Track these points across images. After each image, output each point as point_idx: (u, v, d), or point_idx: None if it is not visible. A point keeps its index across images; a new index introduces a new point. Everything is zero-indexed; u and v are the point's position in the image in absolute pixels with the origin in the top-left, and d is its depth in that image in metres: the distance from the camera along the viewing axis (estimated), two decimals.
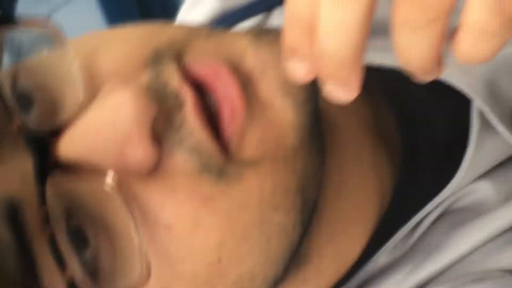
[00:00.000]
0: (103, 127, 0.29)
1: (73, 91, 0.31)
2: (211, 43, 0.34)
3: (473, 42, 0.22)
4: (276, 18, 0.56)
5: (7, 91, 0.31)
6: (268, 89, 0.32)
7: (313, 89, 0.33)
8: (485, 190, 0.44)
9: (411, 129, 0.46)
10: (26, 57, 0.34)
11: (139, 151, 0.29)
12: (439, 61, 0.25)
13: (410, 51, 0.25)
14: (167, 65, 0.32)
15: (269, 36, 0.33)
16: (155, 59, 0.32)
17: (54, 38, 0.32)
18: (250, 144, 0.32)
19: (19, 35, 0.32)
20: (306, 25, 0.26)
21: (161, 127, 0.31)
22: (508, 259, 0.42)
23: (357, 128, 0.44)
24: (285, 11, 0.28)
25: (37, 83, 0.32)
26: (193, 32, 0.35)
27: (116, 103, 0.29)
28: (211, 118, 0.32)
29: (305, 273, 0.39)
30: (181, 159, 0.31)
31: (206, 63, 0.32)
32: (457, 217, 0.45)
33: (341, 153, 0.40)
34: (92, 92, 0.31)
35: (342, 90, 0.28)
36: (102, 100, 0.30)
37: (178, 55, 0.33)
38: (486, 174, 0.45)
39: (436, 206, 0.44)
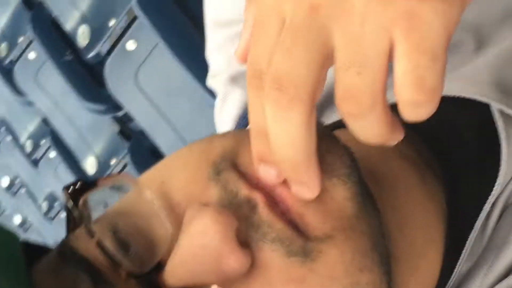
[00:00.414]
0: (197, 252, 0.33)
1: (161, 226, 0.36)
2: None
3: (411, 112, 0.28)
4: None
5: (110, 243, 0.36)
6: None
7: (352, 161, 0.38)
8: None
9: (445, 147, 0.50)
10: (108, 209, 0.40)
11: (233, 261, 0.33)
12: (395, 126, 0.31)
13: (365, 134, 0.31)
14: (229, 175, 0.36)
15: None
16: (216, 172, 0.37)
17: (128, 185, 0.38)
18: (316, 222, 0.35)
19: (101, 193, 0.38)
20: (265, 134, 0.32)
21: (244, 232, 0.35)
22: None
23: (399, 167, 0.47)
24: (249, 123, 0.35)
25: (129, 228, 0.37)
26: (239, 138, 0.39)
27: (201, 230, 0.33)
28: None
29: None
30: (268, 251, 0.34)
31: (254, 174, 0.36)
32: None
33: (392, 197, 0.43)
34: (177, 221, 0.36)
35: (303, 190, 0.35)
36: (188, 230, 0.34)
37: (232, 163, 0.37)
38: None
39: (494, 205, 0.47)
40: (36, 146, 2.40)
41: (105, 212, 0.39)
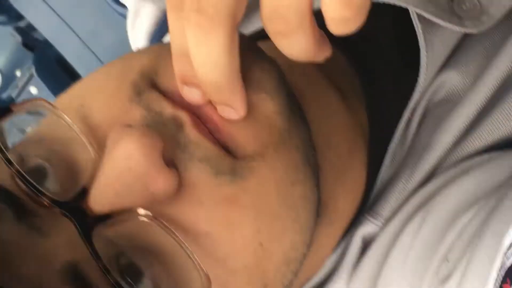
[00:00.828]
0: (123, 176, 0.32)
1: (82, 150, 0.35)
2: None
3: (338, 28, 0.28)
4: None
5: (29, 172, 0.34)
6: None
7: (279, 74, 0.38)
8: (453, 78, 0.49)
9: (362, 56, 0.51)
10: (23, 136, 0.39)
11: (160, 183, 0.33)
12: (322, 43, 0.31)
13: (293, 51, 0.31)
14: (150, 95, 0.36)
15: None
16: (136, 93, 0.36)
17: (45, 110, 0.37)
18: (246, 140, 0.36)
19: (17, 120, 0.37)
20: (187, 55, 0.32)
21: (170, 152, 0.35)
22: (482, 141, 0.48)
23: (319, 81, 0.48)
24: (171, 44, 0.34)
25: (49, 154, 0.36)
26: (157, 54, 0.39)
27: (126, 153, 0.32)
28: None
29: (329, 216, 0.43)
30: (196, 171, 0.35)
31: (176, 89, 0.36)
32: (437, 112, 0.50)
33: (317, 110, 0.44)
34: (99, 145, 0.35)
35: (229, 112, 0.35)
36: (112, 154, 0.33)
37: (152, 83, 0.37)
38: (449, 63, 0.50)
39: (414, 112, 0.49)
40: None
41: (22, 139, 0.38)
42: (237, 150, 0.36)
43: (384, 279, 0.47)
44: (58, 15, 1.53)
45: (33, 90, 1.81)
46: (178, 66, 0.34)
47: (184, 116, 0.35)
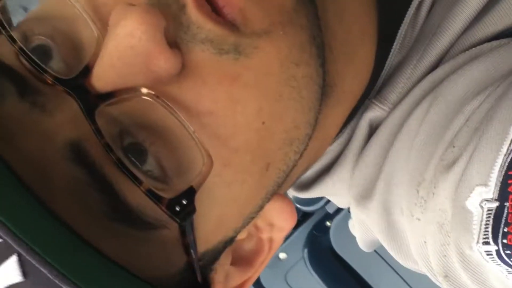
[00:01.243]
0: (125, 54, 0.32)
1: (86, 28, 0.35)
2: None
3: None
4: None
5: (33, 49, 0.34)
6: None
7: None
8: None
9: None
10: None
11: (162, 61, 0.33)
12: None
13: None
14: None
15: None
16: None
17: None
18: (256, 17, 0.35)
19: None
20: None
21: (173, 32, 0.34)
22: (492, 27, 0.47)
23: None
24: None
25: (52, 32, 0.36)
26: None
27: (128, 31, 0.32)
28: (212, 7, 0.35)
29: (336, 96, 0.43)
30: (198, 51, 0.34)
31: None
32: None
33: None
34: (103, 23, 0.34)
35: None
36: (115, 32, 0.32)
37: None
38: None
39: None
40: None
41: (25, 18, 0.38)
42: (245, 26, 0.35)
43: (390, 163, 0.48)
44: None
45: None
46: None
47: None
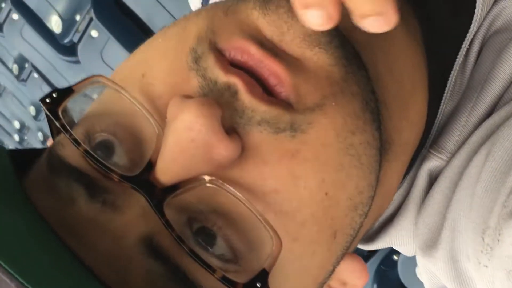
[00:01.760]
0: (186, 147, 0.33)
1: (145, 122, 0.36)
2: (231, 21, 0.38)
3: None
4: None
5: (97, 148, 0.36)
6: (294, 47, 0.37)
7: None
8: (509, 7, 0.48)
9: None
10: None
11: (223, 149, 0.34)
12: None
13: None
14: (206, 61, 0.36)
15: (273, 1, 0.37)
16: (194, 59, 0.37)
17: (106, 84, 0.38)
18: (307, 92, 0.36)
19: (80, 97, 0.38)
20: None
21: (229, 118, 0.35)
22: None
23: None
24: None
25: (114, 128, 0.38)
26: (212, 14, 0.39)
27: (187, 125, 0.33)
28: (264, 88, 0.36)
29: (394, 151, 0.43)
30: (256, 133, 0.35)
31: (237, 47, 0.36)
32: (495, 42, 0.49)
33: (380, 40, 0.42)
34: (160, 115, 0.36)
35: (380, 23, 0.31)
36: (174, 126, 0.34)
37: (210, 43, 0.37)
38: None
39: (472, 43, 0.49)
40: None
41: (85, 114, 0.39)
42: (298, 103, 0.36)
43: (453, 211, 0.47)
44: None
45: (93, 33, 1.84)
46: None
47: (237, 83, 0.35)
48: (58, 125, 0.36)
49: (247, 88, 0.35)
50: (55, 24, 1.98)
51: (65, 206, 0.35)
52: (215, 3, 0.41)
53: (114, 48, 1.78)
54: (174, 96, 0.35)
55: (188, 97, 0.35)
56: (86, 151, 0.35)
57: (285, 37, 0.37)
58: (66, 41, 1.96)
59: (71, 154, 0.37)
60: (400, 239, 0.54)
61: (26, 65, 2.55)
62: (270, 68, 0.36)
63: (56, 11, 1.97)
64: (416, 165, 0.51)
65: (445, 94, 0.48)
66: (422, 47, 0.47)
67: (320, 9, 0.30)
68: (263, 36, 0.37)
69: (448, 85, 0.48)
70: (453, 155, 0.49)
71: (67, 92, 0.37)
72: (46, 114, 0.37)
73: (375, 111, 0.39)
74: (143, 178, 0.35)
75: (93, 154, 0.35)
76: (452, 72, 0.48)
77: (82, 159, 0.36)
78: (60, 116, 0.36)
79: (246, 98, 0.35)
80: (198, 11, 0.41)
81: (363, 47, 0.41)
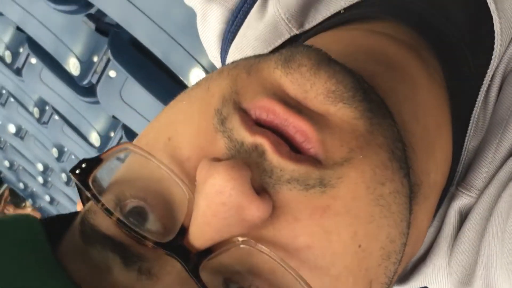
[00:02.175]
0: (218, 211, 0.34)
1: (174, 186, 0.37)
2: (254, 80, 0.39)
3: None
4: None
5: (129, 216, 0.37)
6: (318, 104, 0.37)
7: (354, 80, 0.38)
8: None
9: (435, 29, 0.50)
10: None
11: (254, 210, 0.34)
12: None
13: None
14: (232, 122, 0.37)
15: (295, 60, 0.38)
16: (220, 121, 0.37)
17: (134, 150, 0.38)
18: (334, 147, 0.36)
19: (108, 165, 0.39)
20: None
21: (258, 178, 0.36)
22: None
23: (401, 53, 0.47)
24: None
25: (141, 195, 0.38)
26: (234, 74, 0.40)
27: (218, 189, 0.33)
28: (291, 146, 0.36)
29: (423, 193, 0.43)
30: (286, 191, 0.36)
31: (261, 106, 0.37)
32: None
33: (403, 86, 0.43)
34: (189, 178, 0.37)
35: None
36: (205, 191, 0.34)
37: (235, 103, 0.38)
38: None
39: (492, 79, 0.49)
40: (15, 55, 2.39)
41: (115, 180, 0.40)
42: (326, 158, 0.36)
43: (486, 247, 0.47)
44: None
45: (111, 73, 1.86)
46: None
47: (264, 143, 0.35)
48: (89, 195, 0.37)
49: (274, 148, 0.35)
50: (73, 66, 2.00)
51: (101, 275, 0.35)
52: (236, 63, 0.42)
53: (133, 87, 1.80)
54: (203, 159, 0.35)
55: (216, 159, 0.35)
56: (119, 219, 0.36)
57: (309, 94, 0.37)
58: (85, 82, 1.98)
59: (104, 222, 0.37)
60: (434, 277, 0.53)
61: (47, 107, 2.59)
62: (296, 125, 0.36)
63: (74, 54, 1.99)
64: (445, 203, 0.51)
65: (468, 131, 0.49)
66: (444, 87, 0.48)
67: None
68: (287, 94, 0.37)
69: (471, 121, 0.49)
70: (482, 191, 0.49)
71: (96, 162, 0.38)
72: (77, 185, 0.38)
73: (402, 158, 0.39)
74: (177, 244, 0.35)
75: (126, 222, 0.36)
76: (475, 108, 0.48)
77: (115, 227, 0.37)
78: (91, 186, 0.37)
79: (274, 157, 0.35)
80: (220, 71, 0.42)
81: (386, 94, 0.41)
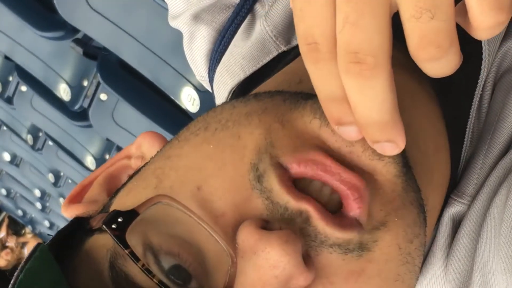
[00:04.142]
0: (269, 282, 0.34)
1: (206, 238, 0.36)
2: (290, 132, 0.38)
3: (489, 34, 0.28)
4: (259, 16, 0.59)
5: (165, 271, 0.36)
6: (366, 158, 0.37)
7: None
8: None
9: None
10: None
11: (302, 281, 0.35)
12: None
13: (444, 71, 0.30)
14: (271, 182, 0.36)
15: None
16: (257, 178, 0.37)
17: (167, 202, 0.37)
18: (376, 211, 0.37)
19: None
20: (341, 100, 0.32)
21: (303, 245, 0.36)
22: None
23: (399, 75, 0.45)
24: (316, 91, 0.33)
25: (176, 250, 0.37)
26: (267, 123, 0.39)
27: (272, 263, 0.34)
28: (333, 207, 0.36)
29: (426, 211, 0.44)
30: (326, 254, 0.36)
31: (308, 160, 0.36)
32: (505, 82, 0.49)
33: (402, 111, 0.42)
34: (226, 234, 0.36)
35: (391, 148, 0.34)
36: (258, 262, 0.35)
37: (271, 160, 0.37)
38: (509, 31, 0.49)
39: (484, 88, 0.49)
40: (5, 83, 2.38)
41: (143, 228, 0.38)
42: (367, 223, 0.37)
43: (481, 253, 0.47)
44: (111, 21, 1.55)
45: (102, 96, 1.86)
46: (330, 112, 0.34)
47: (309, 210, 0.35)
48: (127, 253, 0.36)
49: (320, 215, 0.35)
50: (63, 92, 2.00)
51: None
52: (264, 104, 0.41)
53: (125, 109, 1.79)
54: (246, 221, 0.36)
55: (257, 220, 0.36)
56: (161, 282, 0.35)
57: (355, 148, 0.36)
58: (76, 107, 1.97)
59: (140, 276, 0.36)
60: (432, 287, 0.52)
61: (40, 134, 2.58)
62: (350, 181, 0.36)
63: (63, 79, 1.99)
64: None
65: (465, 143, 0.49)
66: (438, 106, 0.48)
67: (350, 125, 0.34)
68: (328, 147, 0.37)
69: (467, 134, 0.48)
70: (474, 198, 0.49)
71: (132, 215, 0.37)
72: (115, 240, 0.36)
73: (423, 208, 0.40)
74: None
75: (167, 285, 0.35)
76: (470, 120, 0.48)
77: (148, 279, 0.36)
78: (128, 243, 0.36)
79: (319, 224, 0.35)
80: (248, 115, 0.41)
81: None
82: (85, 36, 1.79)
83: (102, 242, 0.38)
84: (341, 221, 0.36)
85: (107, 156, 2.21)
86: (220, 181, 0.37)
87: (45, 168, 2.85)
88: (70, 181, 2.71)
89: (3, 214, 4.55)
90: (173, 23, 0.66)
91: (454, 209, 0.49)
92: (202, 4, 0.61)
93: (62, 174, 2.78)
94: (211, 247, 0.36)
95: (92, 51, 1.82)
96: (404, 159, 0.38)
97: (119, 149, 2.08)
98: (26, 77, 2.15)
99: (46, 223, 3.70)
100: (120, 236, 0.36)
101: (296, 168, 0.36)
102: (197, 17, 0.62)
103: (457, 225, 0.50)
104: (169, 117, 1.60)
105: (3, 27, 2.03)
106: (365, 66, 0.29)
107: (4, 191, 3.76)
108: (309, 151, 0.36)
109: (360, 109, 0.31)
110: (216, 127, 0.41)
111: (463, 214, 0.50)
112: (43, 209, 3.48)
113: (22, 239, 4.50)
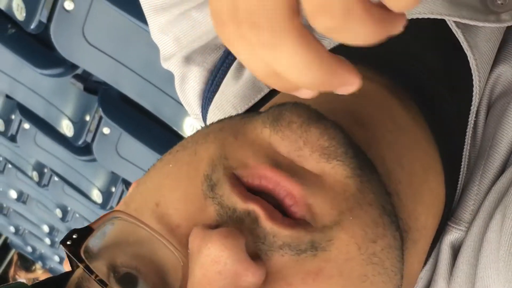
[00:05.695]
0: (214, 279, 0.34)
1: (164, 251, 0.37)
2: (242, 143, 0.38)
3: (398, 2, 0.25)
4: None
5: (115, 281, 0.37)
6: (313, 162, 0.37)
7: (345, 135, 0.38)
8: (506, 71, 0.49)
9: (413, 75, 0.50)
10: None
11: (250, 277, 0.34)
12: (389, 20, 0.27)
13: (356, 40, 0.27)
14: (222, 189, 0.37)
15: (284, 117, 0.37)
16: (209, 187, 0.37)
17: (123, 218, 0.38)
18: (323, 210, 0.36)
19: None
20: (272, 73, 0.30)
21: (252, 244, 0.36)
22: None
23: (381, 97, 0.47)
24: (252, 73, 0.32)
25: (133, 264, 0.38)
26: (221, 138, 0.40)
27: (213, 259, 0.34)
28: (281, 210, 0.36)
29: (412, 238, 0.43)
30: (278, 257, 0.36)
31: (253, 174, 0.37)
32: (497, 107, 0.49)
33: (385, 132, 0.43)
34: (182, 245, 0.36)
35: (345, 90, 0.31)
36: (200, 260, 0.35)
37: (224, 168, 0.37)
38: (499, 57, 0.50)
39: (478, 113, 0.49)
40: (7, 122, 2.40)
41: (105, 245, 0.39)
42: (315, 221, 0.36)
43: (481, 279, 0.47)
44: (109, 56, 1.56)
45: (105, 130, 1.87)
46: (273, 84, 0.32)
47: (257, 210, 0.35)
48: (81, 266, 0.36)
49: (267, 214, 0.35)
50: (66, 127, 2.01)
51: None
52: (222, 125, 0.42)
53: (128, 142, 1.80)
54: (194, 227, 0.36)
55: (208, 226, 0.36)
56: None
57: (303, 152, 0.37)
58: (80, 142, 1.98)
59: None
60: None
61: (45, 170, 2.59)
62: (287, 189, 0.36)
63: (66, 115, 2.00)
64: (439, 240, 0.50)
65: (462, 169, 0.49)
66: (427, 128, 0.48)
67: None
68: (278, 153, 0.37)
69: (463, 160, 0.48)
70: (470, 224, 0.49)
71: (86, 231, 0.38)
72: (68, 255, 0.37)
73: (392, 212, 0.39)
74: None
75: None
76: (465, 146, 0.48)
77: None
78: (83, 257, 0.36)
79: (267, 224, 0.35)
80: (206, 134, 0.42)
81: (369, 144, 0.41)
82: (84, 71, 1.80)
83: (76, 275, 0.39)
84: (289, 221, 0.36)
85: (113, 189, 2.22)
86: (176, 195, 0.38)
87: (52, 204, 2.86)
88: (77, 215, 2.72)
89: (13, 251, 4.55)
90: (165, 65, 0.67)
91: (453, 236, 0.49)
92: (192, 46, 0.61)
93: (69, 208, 2.78)
94: (171, 260, 0.37)
95: (92, 86, 1.84)
96: (361, 162, 0.38)
97: (124, 181, 2.08)
98: (28, 114, 2.16)
99: (56, 258, 3.70)
100: (74, 252, 0.36)
101: (246, 181, 0.37)
102: (188, 59, 0.63)
103: (456, 252, 0.50)
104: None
105: (3, 67, 2.05)
106: (262, 31, 0.27)
107: (12, 229, 3.77)
108: (256, 164, 0.37)
109: (291, 78, 0.29)
110: (177, 150, 0.42)
111: (461, 241, 0.49)
112: (52, 244, 3.48)
113: (32, 275, 4.50)
